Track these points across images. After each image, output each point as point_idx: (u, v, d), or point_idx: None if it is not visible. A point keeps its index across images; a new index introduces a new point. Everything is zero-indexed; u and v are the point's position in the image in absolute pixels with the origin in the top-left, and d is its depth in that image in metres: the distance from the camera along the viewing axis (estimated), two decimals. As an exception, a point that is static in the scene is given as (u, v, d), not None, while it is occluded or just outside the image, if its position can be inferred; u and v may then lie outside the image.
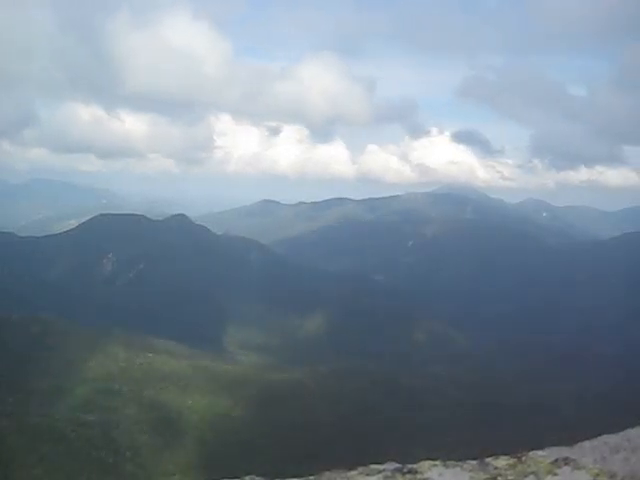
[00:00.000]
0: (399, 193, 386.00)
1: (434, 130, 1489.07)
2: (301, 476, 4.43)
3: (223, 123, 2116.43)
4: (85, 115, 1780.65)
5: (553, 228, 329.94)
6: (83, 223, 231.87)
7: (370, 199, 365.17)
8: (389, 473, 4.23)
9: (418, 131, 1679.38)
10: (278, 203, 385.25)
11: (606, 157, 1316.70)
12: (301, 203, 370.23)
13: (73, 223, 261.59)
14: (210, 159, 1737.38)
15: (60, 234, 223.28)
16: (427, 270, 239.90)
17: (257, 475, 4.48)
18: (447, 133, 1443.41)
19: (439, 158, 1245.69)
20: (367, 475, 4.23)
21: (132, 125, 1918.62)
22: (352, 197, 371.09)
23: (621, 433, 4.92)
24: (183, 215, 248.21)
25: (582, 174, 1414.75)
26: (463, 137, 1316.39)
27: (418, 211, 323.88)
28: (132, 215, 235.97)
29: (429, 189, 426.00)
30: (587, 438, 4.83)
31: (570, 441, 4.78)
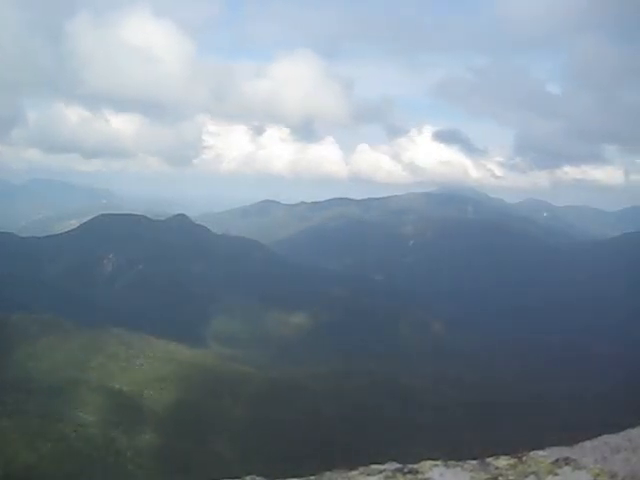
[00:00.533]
0: (392, 192, 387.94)
1: (425, 130, 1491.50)
2: (301, 476, 4.42)
3: (212, 124, 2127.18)
4: (72, 115, 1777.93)
5: (553, 228, 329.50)
6: (84, 223, 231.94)
7: (370, 199, 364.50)
8: (390, 473, 4.22)
9: (404, 131, 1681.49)
10: (278, 203, 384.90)
11: (599, 157, 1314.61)
12: (302, 203, 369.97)
13: (73, 223, 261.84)
14: (202, 159, 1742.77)
15: (60, 234, 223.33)
16: (427, 270, 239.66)
17: (257, 475, 4.47)
18: (431, 133, 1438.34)
19: (429, 157, 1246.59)
20: (367, 475, 4.23)
21: (119, 125, 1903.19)
22: (347, 196, 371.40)
23: (622, 433, 4.91)
24: (183, 215, 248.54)
25: (575, 173, 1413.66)
26: (447, 137, 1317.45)
27: (418, 211, 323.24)
28: (132, 215, 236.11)
29: (428, 189, 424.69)
30: (587, 438, 4.83)
31: (570, 441, 4.77)
